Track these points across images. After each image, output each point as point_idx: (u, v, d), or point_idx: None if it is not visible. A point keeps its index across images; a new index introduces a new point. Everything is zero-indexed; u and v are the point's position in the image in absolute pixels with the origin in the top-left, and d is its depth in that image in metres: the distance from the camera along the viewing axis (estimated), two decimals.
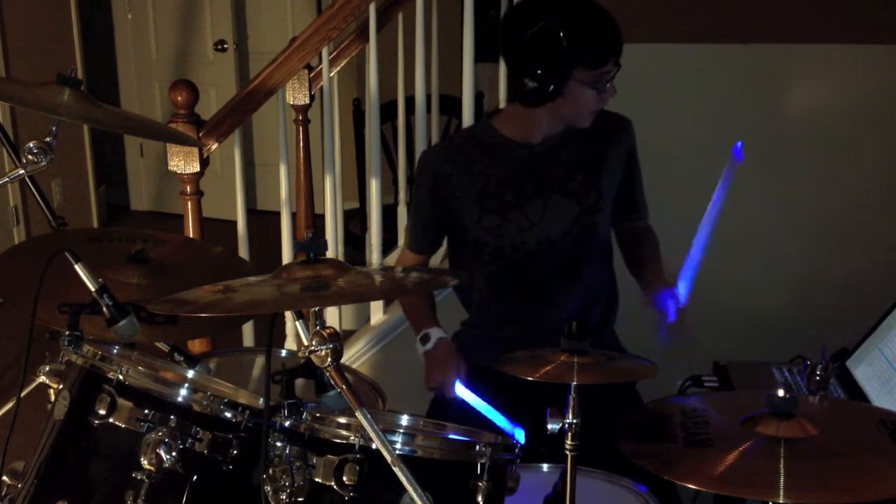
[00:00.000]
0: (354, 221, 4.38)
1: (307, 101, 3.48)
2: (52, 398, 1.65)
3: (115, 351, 1.68)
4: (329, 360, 1.37)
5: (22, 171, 1.78)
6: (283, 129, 3.06)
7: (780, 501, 1.34)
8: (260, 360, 2.20)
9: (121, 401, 1.55)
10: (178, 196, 2.88)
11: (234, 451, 1.54)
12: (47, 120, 1.81)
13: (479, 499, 1.49)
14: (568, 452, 1.57)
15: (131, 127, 2.23)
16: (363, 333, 3.24)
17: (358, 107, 4.28)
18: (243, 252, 2.95)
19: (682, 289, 2.09)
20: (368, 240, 3.30)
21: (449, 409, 2.06)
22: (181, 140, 2.58)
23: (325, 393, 1.44)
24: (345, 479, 1.44)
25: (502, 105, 3.17)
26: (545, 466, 1.91)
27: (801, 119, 3.44)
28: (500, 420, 1.84)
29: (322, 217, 3.23)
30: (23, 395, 1.70)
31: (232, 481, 1.55)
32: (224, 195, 3.85)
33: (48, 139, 1.79)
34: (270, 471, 1.44)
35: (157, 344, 1.82)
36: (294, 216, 3.30)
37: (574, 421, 1.55)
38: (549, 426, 1.55)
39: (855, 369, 2.20)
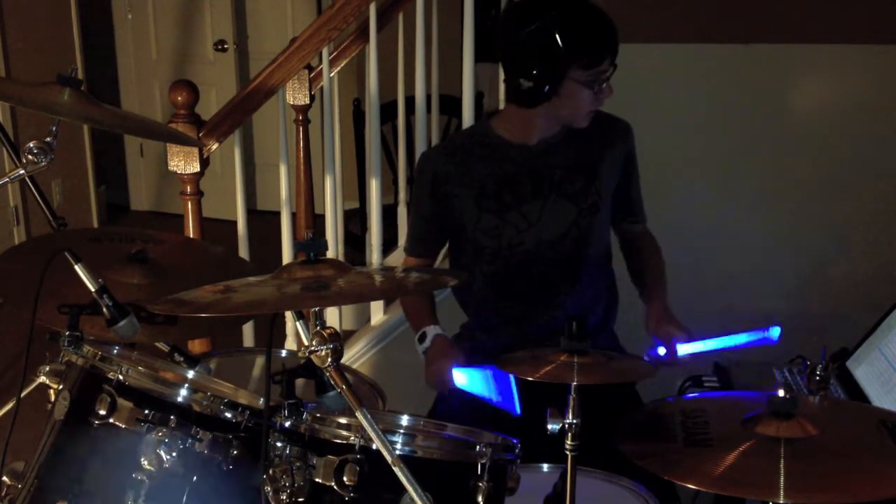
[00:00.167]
0: (354, 221, 4.38)
1: (307, 101, 3.47)
2: (52, 398, 1.65)
3: (115, 351, 1.68)
4: (329, 360, 1.37)
5: (22, 171, 1.78)
6: (283, 129, 3.06)
7: (780, 501, 1.33)
8: (260, 361, 2.20)
9: (121, 401, 1.56)
10: (178, 196, 2.88)
11: (234, 452, 1.54)
12: (47, 120, 1.81)
13: (480, 499, 1.49)
14: (568, 452, 1.56)
15: (131, 127, 2.23)
16: (363, 334, 3.24)
17: (358, 107, 4.29)
18: (243, 252, 2.94)
19: (681, 353, 2.06)
20: (368, 240, 3.30)
21: (452, 408, 2.06)
22: (181, 140, 2.58)
23: (325, 393, 1.44)
24: (345, 479, 1.44)
25: (502, 105, 3.16)
26: (545, 466, 1.90)
27: (800, 119, 3.45)
28: (505, 395, 1.83)
29: (322, 217, 3.23)
30: (23, 395, 1.70)
31: (232, 481, 1.54)
32: (224, 195, 3.85)
33: (48, 139, 1.79)
34: (270, 471, 1.44)
35: (157, 344, 1.82)
36: (294, 216, 3.29)
37: (574, 421, 1.55)
38: (549, 426, 1.54)
39: (855, 369, 2.19)
